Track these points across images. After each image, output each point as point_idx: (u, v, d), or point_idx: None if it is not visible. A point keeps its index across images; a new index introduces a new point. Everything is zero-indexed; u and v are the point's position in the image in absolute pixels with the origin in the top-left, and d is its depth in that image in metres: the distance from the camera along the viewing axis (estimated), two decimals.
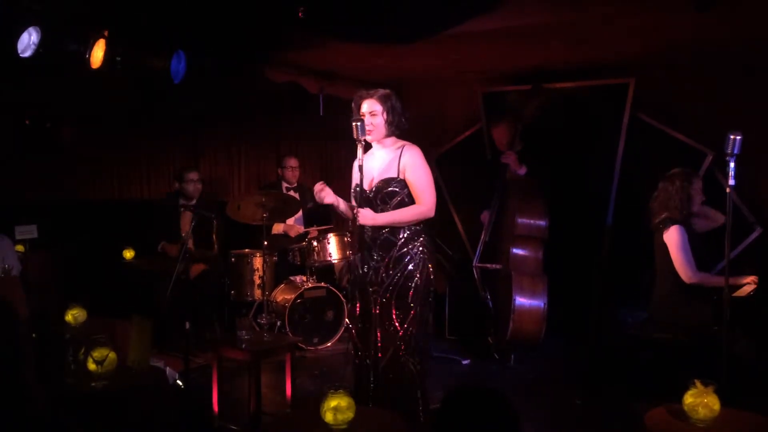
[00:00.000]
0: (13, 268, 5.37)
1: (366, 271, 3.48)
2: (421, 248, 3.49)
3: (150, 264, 6.47)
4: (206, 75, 4.94)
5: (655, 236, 4.20)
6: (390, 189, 3.48)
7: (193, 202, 5.77)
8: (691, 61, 5.32)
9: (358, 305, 3.56)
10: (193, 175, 5.87)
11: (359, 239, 3.52)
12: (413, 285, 3.45)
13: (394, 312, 3.45)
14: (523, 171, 5.35)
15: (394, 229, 3.48)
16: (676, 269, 4.00)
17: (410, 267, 3.46)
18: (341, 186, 3.64)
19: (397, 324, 3.44)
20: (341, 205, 3.63)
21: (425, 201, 3.47)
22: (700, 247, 4.09)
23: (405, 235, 3.48)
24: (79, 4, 4.03)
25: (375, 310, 3.43)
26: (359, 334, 3.56)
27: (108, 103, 6.25)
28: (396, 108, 3.52)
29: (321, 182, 3.61)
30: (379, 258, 3.50)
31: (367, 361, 3.48)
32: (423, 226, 3.54)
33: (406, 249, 3.47)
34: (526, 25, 4.39)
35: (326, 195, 3.56)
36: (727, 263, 3.27)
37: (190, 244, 5.17)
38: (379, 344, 3.42)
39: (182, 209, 5.55)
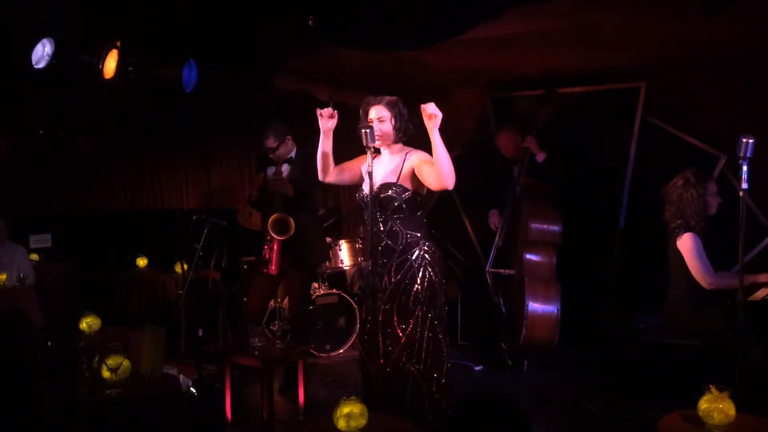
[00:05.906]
0: (28, 276, 5.43)
1: (373, 277, 3.48)
2: (421, 254, 3.45)
3: (163, 272, 6.53)
4: (217, 84, 4.97)
5: (668, 242, 4.17)
6: (388, 194, 3.46)
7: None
8: (702, 64, 5.28)
9: (364, 311, 3.57)
10: None
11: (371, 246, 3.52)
12: (414, 291, 3.42)
13: (395, 318, 3.44)
14: (542, 157, 5.34)
15: (394, 236, 3.47)
16: (692, 276, 3.96)
17: (410, 273, 3.43)
18: (350, 191, 3.62)
19: (399, 330, 3.43)
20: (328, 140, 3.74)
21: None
22: (714, 252, 4.05)
23: (404, 242, 3.46)
24: (91, 15, 4.08)
25: (378, 317, 3.43)
26: (364, 340, 3.56)
27: (120, 113, 6.31)
28: (403, 114, 3.52)
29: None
30: (383, 264, 3.49)
31: (373, 366, 3.48)
32: (424, 232, 3.52)
33: (405, 255, 3.45)
34: (535, 31, 4.38)
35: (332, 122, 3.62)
36: (741, 268, 3.24)
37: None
38: (382, 350, 3.42)
39: (194, 217, 5.57)
